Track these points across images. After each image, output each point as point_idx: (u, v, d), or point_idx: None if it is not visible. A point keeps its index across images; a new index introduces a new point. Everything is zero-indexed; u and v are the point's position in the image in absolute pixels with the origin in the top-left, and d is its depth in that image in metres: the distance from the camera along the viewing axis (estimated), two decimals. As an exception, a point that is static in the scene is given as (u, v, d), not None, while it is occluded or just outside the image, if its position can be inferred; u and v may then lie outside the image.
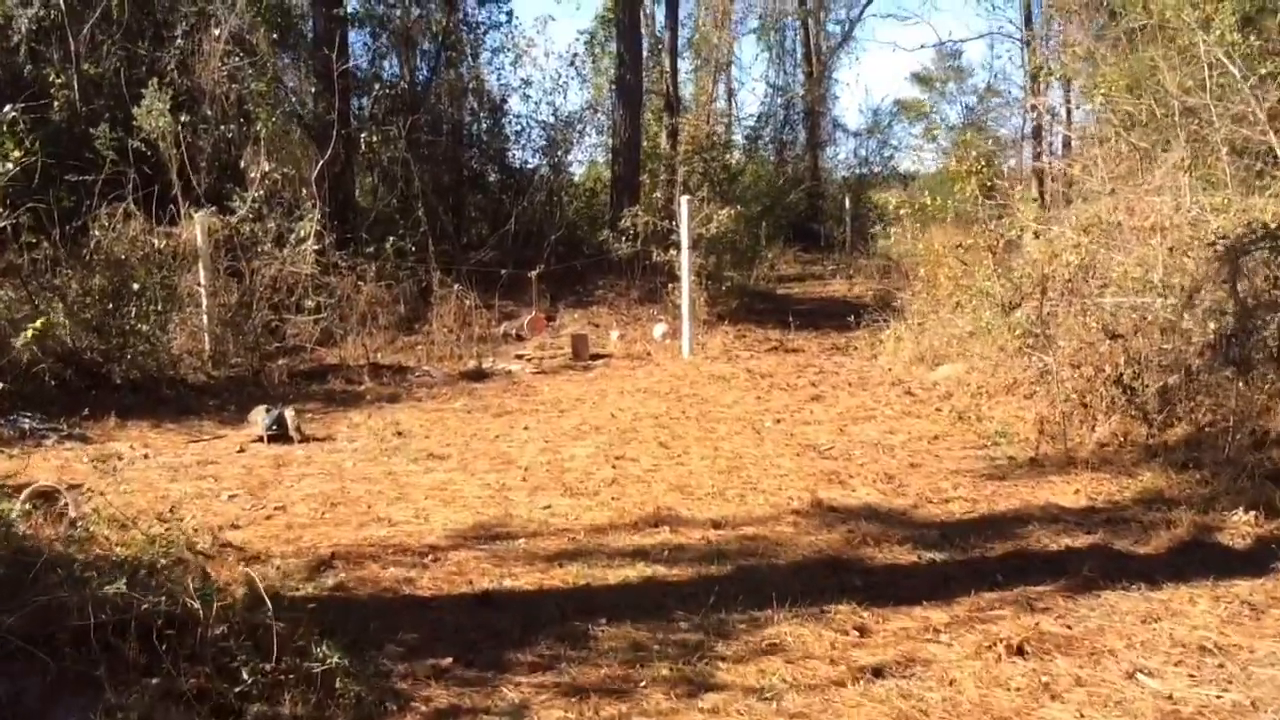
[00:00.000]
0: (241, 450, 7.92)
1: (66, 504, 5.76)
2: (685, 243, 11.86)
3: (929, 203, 10.33)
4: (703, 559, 4.93)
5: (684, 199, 11.90)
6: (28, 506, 5.41)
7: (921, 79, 34.38)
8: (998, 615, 4.17)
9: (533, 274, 12.55)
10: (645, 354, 12.20)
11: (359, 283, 12.68)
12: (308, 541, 5.48)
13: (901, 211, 11.35)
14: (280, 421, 8.27)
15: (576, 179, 19.17)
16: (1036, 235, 8.08)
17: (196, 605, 3.43)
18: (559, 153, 16.88)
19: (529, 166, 17.50)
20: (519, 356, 12.19)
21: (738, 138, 26.08)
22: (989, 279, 8.37)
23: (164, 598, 3.33)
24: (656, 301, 14.20)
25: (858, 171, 29.75)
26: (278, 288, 12.33)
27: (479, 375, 11.26)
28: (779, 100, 28.42)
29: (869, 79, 63.23)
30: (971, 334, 8.79)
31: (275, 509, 6.19)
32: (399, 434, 8.35)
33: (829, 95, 30.29)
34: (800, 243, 25.21)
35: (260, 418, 8.35)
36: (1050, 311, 7.46)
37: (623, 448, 7.52)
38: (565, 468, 6.95)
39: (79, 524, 5.24)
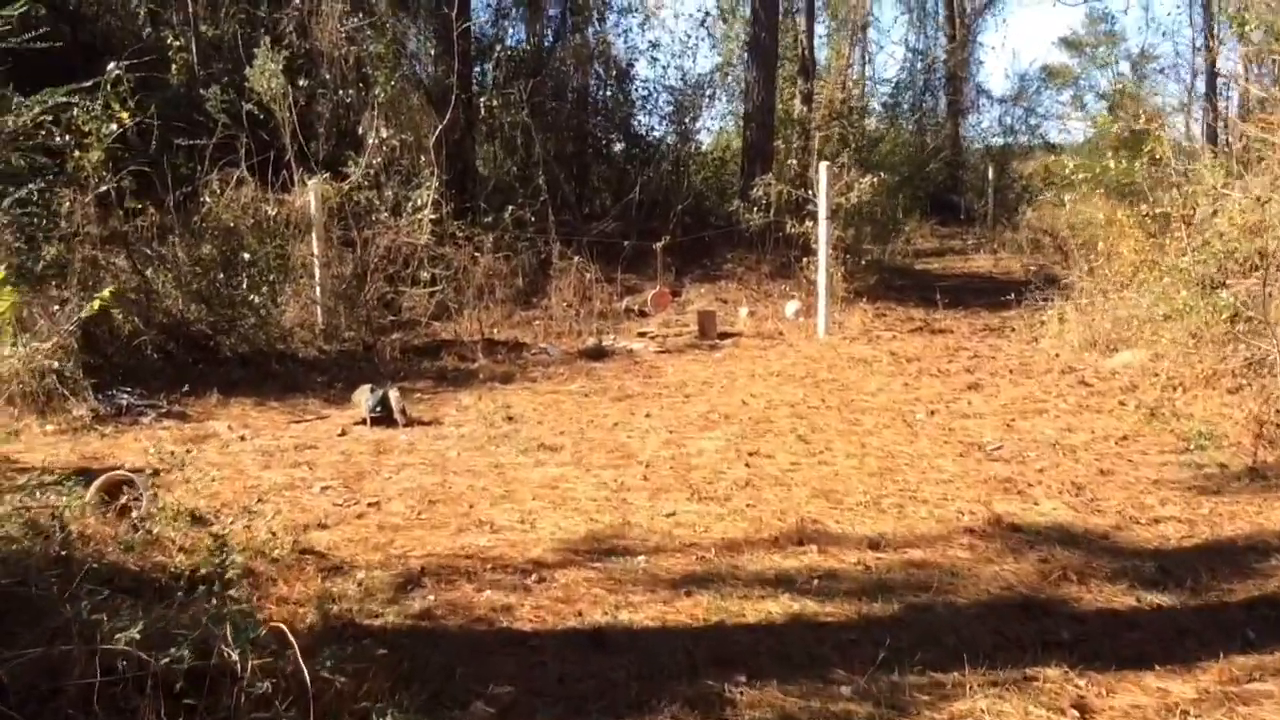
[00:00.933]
0: (343, 434, 7.34)
1: (140, 495, 5.23)
2: (823, 213, 10.87)
3: (1111, 166, 9.11)
4: (861, 592, 4.04)
5: (823, 165, 10.90)
6: (92, 500, 4.87)
7: (1070, 43, 32.33)
8: (1261, 691, 3.18)
9: (657, 246, 11.72)
10: (777, 333, 11.27)
11: (475, 254, 12.07)
12: (398, 548, 4.79)
13: (1079, 176, 10.06)
14: (384, 403, 7.67)
15: (704, 147, 18.22)
16: (1260, 201, 6.85)
17: (234, 656, 2.71)
18: (687, 119, 15.97)
19: (655, 134, 16.67)
20: (641, 334, 11.41)
21: (874, 104, 24.75)
22: (1184, 253, 7.18)
23: (189, 650, 2.60)
24: (789, 277, 13.22)
25: (1002, 141, 28.05)
26: (393, 259, 11.82)
27: (598, 354, 10.52)
28: (919, 64, 26.89)
29: (1016, 42, 59.80)
30: (1166, 317, 7.59)
31: (369, 505, 5.54)
32: (510, 419, 7.65)
33: (972, 59, 28.52)
34: (937, 215, 23.86)
35: (364, 399, 7.76)
36: (1269, 291, 6.28)
37: (756, 441, 6.66)
38: (691, 465, 6.13)
39: (144, 523, 4.66)
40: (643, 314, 12.36)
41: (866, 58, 28.15)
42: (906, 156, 22.91)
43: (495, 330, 11.89)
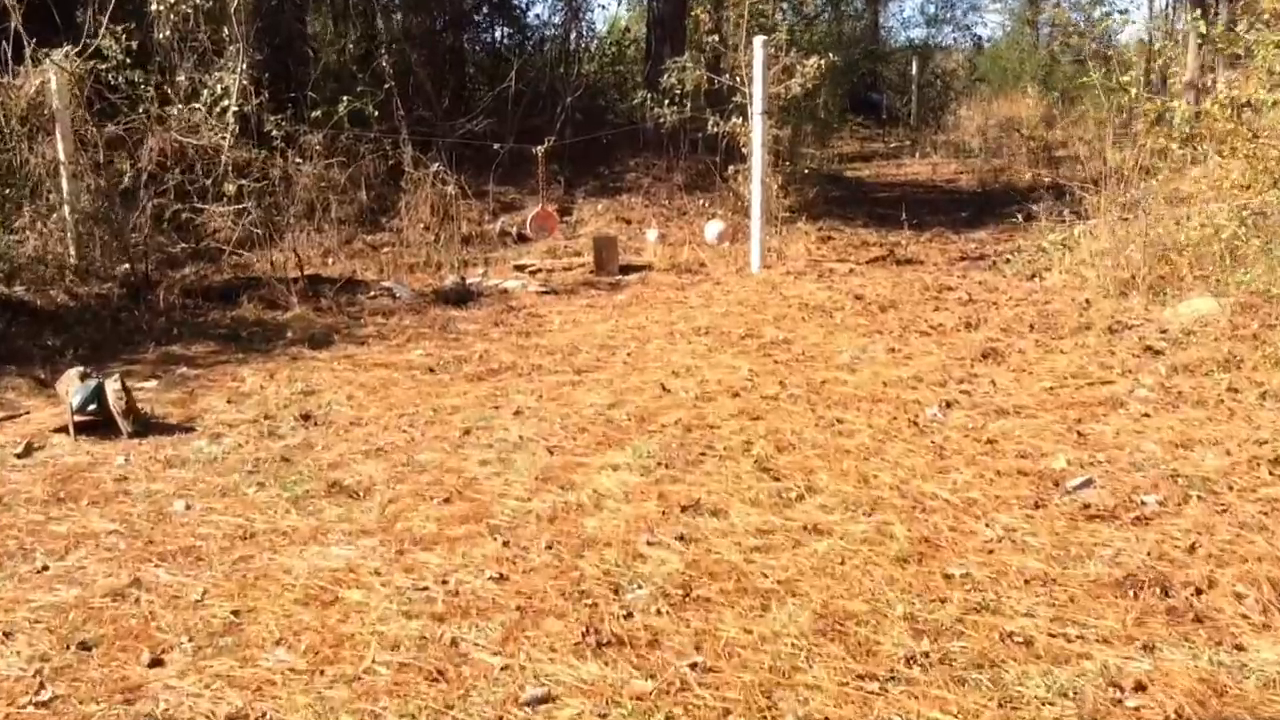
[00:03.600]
0: (25, 453, 4.61)
1: None
2: (758, 105, 8.18)
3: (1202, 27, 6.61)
4: None
5: (758, 40, 8.18)
6: None
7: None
8: None
9: (539, 150, 8.89)
10: (697, 265, 8.64)
11: (299, 159, 9.11)
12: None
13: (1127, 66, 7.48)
14: (100, 398, 4.86)
15: (599, 28, 15.23)
16: None
17: None
18: (577, -11, 12.90)
19: (536, 7, 13.66)
20: (519, 268, 8.67)
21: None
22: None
23: None
24: (708, 189, 10.53)
25: (925, 33, 25.48)
26: (186, 166, 8.81)
27: (461, 296, 7.79)
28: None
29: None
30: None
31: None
32: (304, 419, 4.95)
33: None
34: (856, 115, 21.52)
35: (70, 392, 4.93)
36: None
37: (690, 473, 4.07)
38: (584, 536, 3.51)
39: None
40: (522, 239, 9.60)
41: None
42: (828, 47, 20.19)
43: (329, 261, 9.08)
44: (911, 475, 3.97)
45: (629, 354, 6.04)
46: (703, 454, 4.27)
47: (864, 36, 24.41)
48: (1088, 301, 6.54)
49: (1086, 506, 3.62)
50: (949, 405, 4.85)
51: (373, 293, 8.00)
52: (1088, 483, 3.86)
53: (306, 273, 8.25)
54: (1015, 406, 4.79)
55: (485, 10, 13.30)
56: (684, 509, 3.69)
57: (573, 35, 13.28)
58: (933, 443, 4.34)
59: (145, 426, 4.86)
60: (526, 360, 5.98)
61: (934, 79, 23.10)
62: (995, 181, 13.44)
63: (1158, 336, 5.69)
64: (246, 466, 4.31)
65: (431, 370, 5.83)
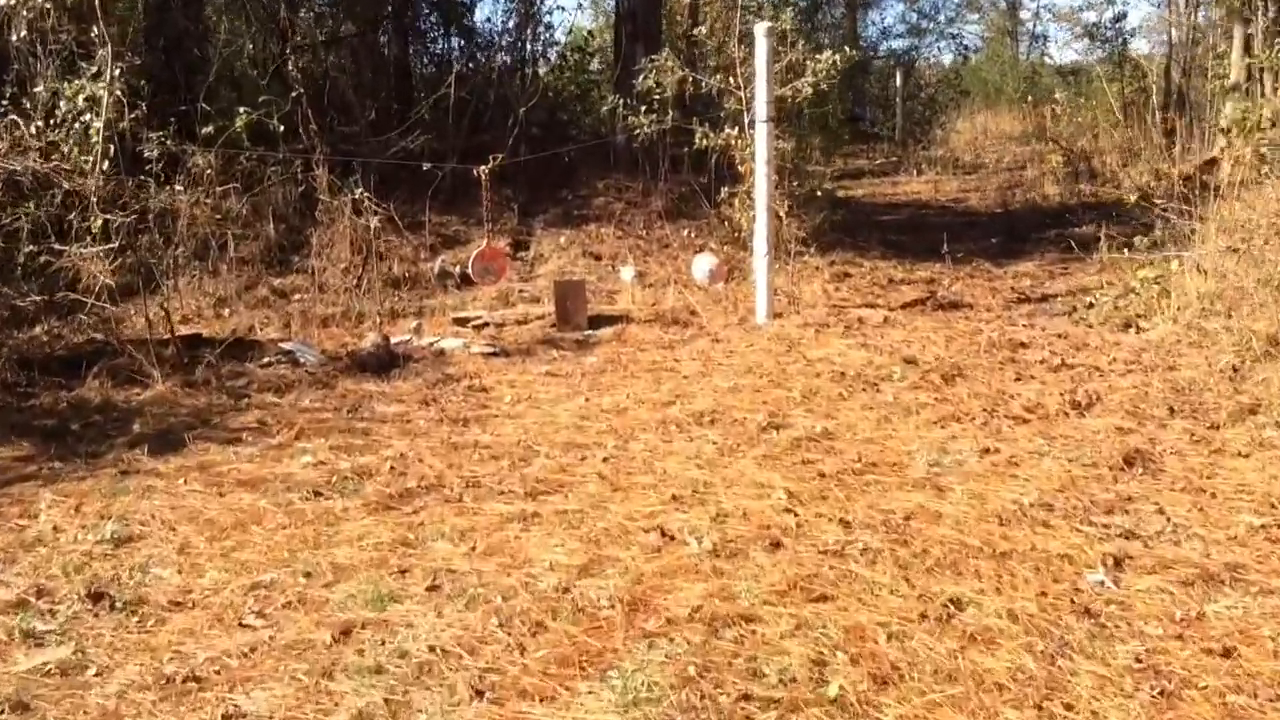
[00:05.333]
0: None
1: None
2: (762, 111, 6.39)
3: None
4: None
5: (760, 27, 6.40)
6: None
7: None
8: None
9: (482, 170, 7.02)
10: (687, 314, 6.82)
11: (180, 188, 7.26)
12: None
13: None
14: None
15: (556, 33, 13.38)
16: None
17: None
18: (532, -14, 11.06)
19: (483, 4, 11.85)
20: (460, 321, 6.82)
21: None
22: None
23: None
24: (694, 216, 8.71)
25: (907, 43, 24.01)
26: (37, 197, 6.92)
27: (382, 362, 5.94)
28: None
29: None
30: None
31: None
32: (94, 599, 3.10)
33: (874, -62, 24.31)
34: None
35: None
36: None
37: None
38: None
39: None
40: (466, 281, 7.73)
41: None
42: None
43: (224, 313, 7.24)
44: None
45: (606, 459, 4.21)
46: (744, 697, 2.44)
47: (841, 45, 22.93)
48: (1234, 368, 4.79)
49: None
50: (1117, 564, 3.06)
51: (267, 359, 6.12)
52: None
53: (185, 332, 6.42)
54: (1227, 567, 3.00)
55: (427, 12, 11.44)
56: None
57: (527, 42, 11.46)
58: (1134, 658, 2.54)
59: None
60: (459, 470, 4.14)
61: (918, 91, 21.80)
62: (1015, 200, 11.78)
63: (1371, 427, 3.95)
64: (-54, 730, 2.44)
65: (318, 493, 3.97)
